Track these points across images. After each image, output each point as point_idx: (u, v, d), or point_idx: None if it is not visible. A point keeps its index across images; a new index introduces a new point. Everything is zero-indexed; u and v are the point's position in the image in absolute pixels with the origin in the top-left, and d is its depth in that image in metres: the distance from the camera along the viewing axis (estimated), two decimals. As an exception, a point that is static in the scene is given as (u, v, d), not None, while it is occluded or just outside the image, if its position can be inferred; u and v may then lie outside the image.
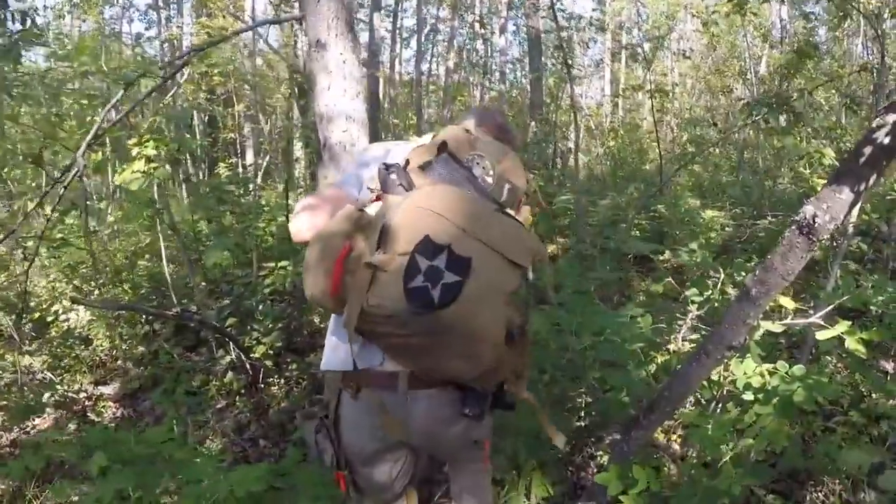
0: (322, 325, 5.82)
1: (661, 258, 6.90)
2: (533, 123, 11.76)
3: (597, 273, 5.96)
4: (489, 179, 2.07)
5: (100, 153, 4.13)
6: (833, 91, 10.78)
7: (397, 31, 21.54)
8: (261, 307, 5.53)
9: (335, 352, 2.16)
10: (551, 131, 11.58)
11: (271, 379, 5.34)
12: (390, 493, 2.38)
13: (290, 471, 3.09)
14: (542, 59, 13.46)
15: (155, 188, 5.47)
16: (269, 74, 11.69)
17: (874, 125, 1.85)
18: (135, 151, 4.07)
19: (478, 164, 2.07)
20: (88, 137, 3.54)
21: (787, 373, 2.41)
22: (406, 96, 20.66)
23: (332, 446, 2.20)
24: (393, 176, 2.00)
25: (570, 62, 7.14)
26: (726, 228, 8.16)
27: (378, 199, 2.02)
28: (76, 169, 3.49)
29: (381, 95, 16.38)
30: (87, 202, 6.29)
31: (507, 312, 1.91)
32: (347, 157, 3.02)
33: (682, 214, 8.26)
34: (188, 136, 12.42)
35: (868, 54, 14.52)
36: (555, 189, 9.03)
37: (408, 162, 2.05)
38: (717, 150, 12.28)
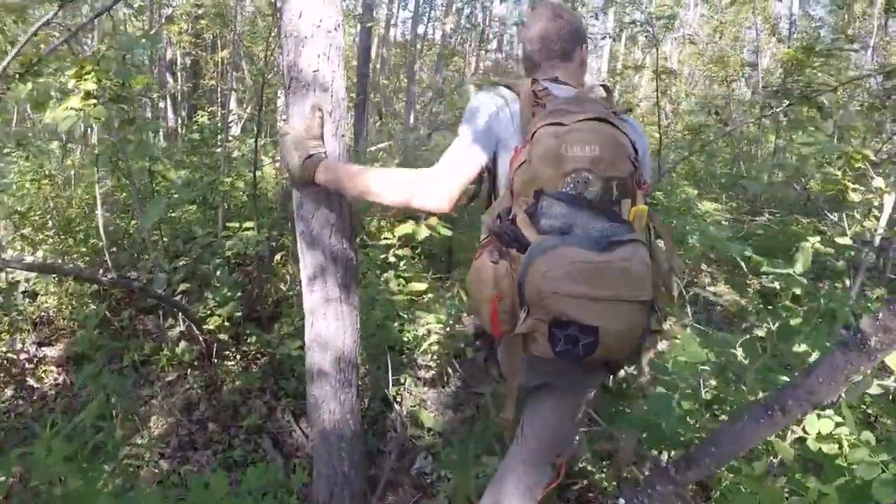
0: (291, 293, 5.17)
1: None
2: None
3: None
4: None
5: (29, 84, 3.36)
6: (841, 92, 9.99)
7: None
8: (219, 272, 4.81)
9: None
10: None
11: (228, 352, 4.66)
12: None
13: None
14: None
15: (95, 129, 4.68)
16: (262, 22, 10.85)
17: None
18: (71, 84, 3.35)
19: None
20: (6, 60, 2.82)
21: (877, 445, 1.73)
22: (399, 57, 19.80)
23: None
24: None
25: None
26: (722, 222, 7.53)
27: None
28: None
29: (372, 54, 15.59)
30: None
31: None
32: (318, 99, 2.43)
33: (679, 203, 7.62)
34: (147, 74, 11.66)
35: (876, 58, 13.88)
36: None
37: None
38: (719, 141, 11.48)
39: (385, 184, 2.17)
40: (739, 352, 2.33)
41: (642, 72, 15.50)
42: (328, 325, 2.76)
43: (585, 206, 1.82)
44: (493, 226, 1.96)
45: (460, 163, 2.11)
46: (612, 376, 2.45)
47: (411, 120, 13.99)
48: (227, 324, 4.53)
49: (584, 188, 1.82)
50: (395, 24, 23.22)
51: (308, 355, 2.85)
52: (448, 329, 4.71)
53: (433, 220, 4.63)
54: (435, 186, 2.10)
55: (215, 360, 4.54)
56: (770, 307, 4.52)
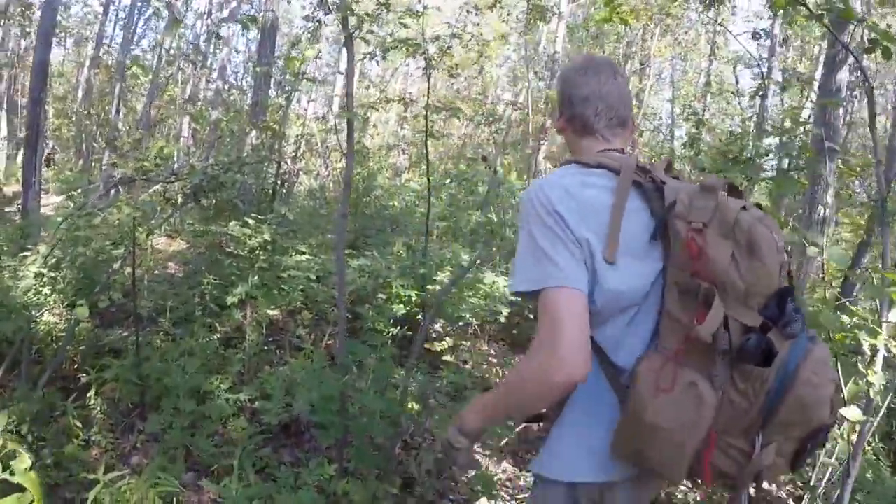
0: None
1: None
2: (254, 133, 8.24)
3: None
4: None
5: None
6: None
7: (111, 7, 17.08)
8: None
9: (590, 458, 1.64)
10: (277, 143, 8.11)
11: None
12: None
13: None
14: (276, 53, 9.98)
15: None
16: None
17: None
18: None
19: None
20: None
21: None
22: (105, 83, 16.16)
23: None
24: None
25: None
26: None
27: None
28: None
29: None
30: None
31: None
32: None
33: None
34: None
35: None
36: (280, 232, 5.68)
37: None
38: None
39: (516, 382, 1.63)
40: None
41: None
42: None
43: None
44: (754, 341, 1.44)
45: (569, 299, 1.50)
46: None
47: (105, 162, 10.40)
48: None
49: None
50: (109, 44, 19.13)
51: None
52: None
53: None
54: (559, 349, 1.46)
55: None
56: None
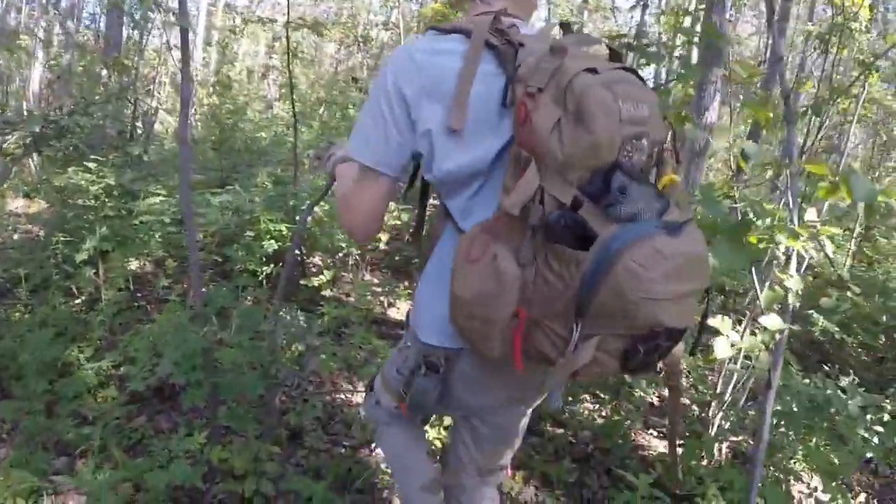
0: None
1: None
2: (104, 72, 7.50)
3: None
4: None
5: None
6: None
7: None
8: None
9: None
10: (131, 81, 7.41)
11: None
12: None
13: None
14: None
15: None
16: None
17: None
18: None
19: None
20: None
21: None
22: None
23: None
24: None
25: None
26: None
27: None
28: None
29: None
30: None
31: None
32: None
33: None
34: None
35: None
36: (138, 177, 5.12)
37: None
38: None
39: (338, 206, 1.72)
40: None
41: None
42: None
43: (642, 180, 1.32)
44: (555, 217, 1.30)
45: (370, 181, 1.56)
46: None
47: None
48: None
49: (639, 158, 1.31)
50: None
51: None
52: None
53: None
54: (348, 207, 1.63)
55: None
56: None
